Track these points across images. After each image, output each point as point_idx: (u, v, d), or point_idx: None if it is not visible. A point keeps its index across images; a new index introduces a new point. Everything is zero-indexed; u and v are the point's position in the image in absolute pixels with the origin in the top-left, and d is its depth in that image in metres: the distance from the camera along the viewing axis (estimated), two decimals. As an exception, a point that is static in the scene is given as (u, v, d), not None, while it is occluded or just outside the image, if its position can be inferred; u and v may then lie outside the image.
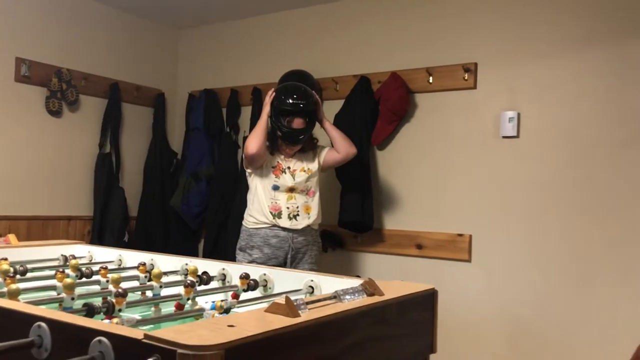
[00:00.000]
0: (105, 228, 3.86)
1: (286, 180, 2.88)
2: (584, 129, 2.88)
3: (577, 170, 2.88)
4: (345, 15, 3.69)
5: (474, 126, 3.18)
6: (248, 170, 2.95)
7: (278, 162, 2.92)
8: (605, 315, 2.77)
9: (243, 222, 2.97)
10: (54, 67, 3.66)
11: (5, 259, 1.88)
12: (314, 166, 2.96)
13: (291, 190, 2.88)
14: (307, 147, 2.96)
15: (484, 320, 3.08)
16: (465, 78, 3.19)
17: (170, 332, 0.95)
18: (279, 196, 2.87)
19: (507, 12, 3.12)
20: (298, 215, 2.86)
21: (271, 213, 2.84)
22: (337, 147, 2.97)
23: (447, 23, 3.31)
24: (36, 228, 3.58)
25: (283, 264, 2.82)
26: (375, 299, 1.33)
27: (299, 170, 2.91)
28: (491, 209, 3.11)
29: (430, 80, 3.30)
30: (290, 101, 2.85)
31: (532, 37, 3.04)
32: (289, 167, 2.91)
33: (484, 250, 3.12)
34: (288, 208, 2.85)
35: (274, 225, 2.84)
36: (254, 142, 2.81)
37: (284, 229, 2.83)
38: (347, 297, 1.29)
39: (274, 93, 2.91)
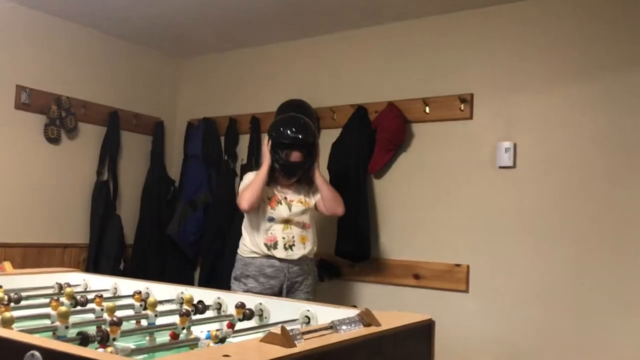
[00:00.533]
0: (101, 256, 3.85)
1: (282, 211, 2.85)
2: (580, 159, 2.90)
3: (574, 201, 2.89)
4: (342, 47, 3.74)
5: (471, 156, 3.20)
6: None
7: (274, 193, 2.89)
8: (604, 347, 2.75)
9: (238, 251, 2.95)
10: (54, 95, 3.69)
11: (0, 287, 1.87)
12: (311, 201, 2.93)
13: (287, 221, 2.85)
14: (303, 178, 2.93)
15: (481, 351, 3.05)
16: (462, 108, 3.23)
17: (165, 362, 0.94)
18: (275, 227, 2.84)
19: (503, 43, 3.17)
20: (294, 245, 2.84)
21: (266, 245, 2.81)
22: (324, 204, 2.92)
23: (443, 54, 3.35)
24: (32, 255, 3.56)
25: (278, 294, 2.78)
26: (372, 329, 1.32)
27: (296, 202, 2.89)
28: (489, 239, 3.10)
29: (427, 111, 3.33)
30: (289, 134, 2.82)
31: (528, 68, 3.08)
32: (285, 198, 2.89)
33: (482, 280, 3.10)
34: (284, 238, 2.83)
35: (270, 256, 2.82)
36: (249, 200, 2.77)
37: (280, 259, 2.81)
38: (344, 327, 1.28)
39: (271, 134, 2.86)
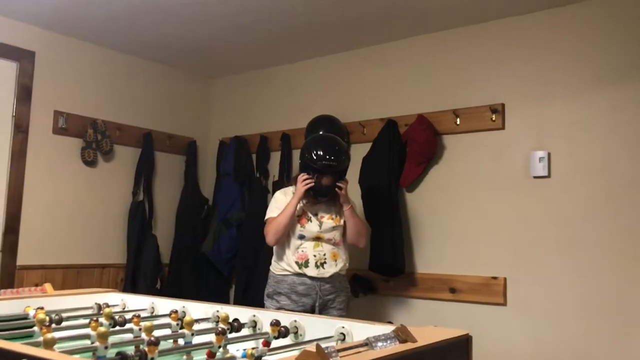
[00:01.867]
0: (138, 275, 3.91)
1: (312, 228, 2.83)
2: (616, 167, 2.84)
3: (612, 209, 2.82)
4: (370, 61, 3.75)
5: (504, 167, 3.16)
6: None
7: (305, 210, 2.88)
8: (650, 360, 2.66)
9: (271, 268, 2.95)
10: (90, 119, 3.79)
11: (42, 308, 1.92)
12: (342, 219, 2.90)
13: (318, 238, 2.83)
14: (335, 195, 2.88)
15: (522, 366, 2.98)
16: (493, 119, 3.19)
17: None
18: (306, 244, 2.82)
19: (533, 52, 3.13)
20: (325, 263, 2.82)
21: (297, 263, 2.80)
22: (348, 233, 2.90)
23: (473, 65, 3.33)
24: (71, 276, 3.64)
25: (311, 312, 2.76)
26: (408, 345, 1.31)
27: (327, 218, 2.87)
28: (525, 251, 3.05)
29: (458, 122, 3.31)
30: (323, 162, 2.77)
31: (559, 75, 3.04)
32: (316, 214, 2.87)
33: (520, 293, 3.04)
34: (315, 256, 2.81)
35: (301, 274, 2.81)
36: (275, 236, 2.79)
37: (311, 277, 2.80)
38: (379, 344, 1.27)
39: (304, 154, 2.82)
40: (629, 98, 2.83)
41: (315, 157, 2.78)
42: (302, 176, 2.82)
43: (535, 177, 3.05)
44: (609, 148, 2.87)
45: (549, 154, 3.02)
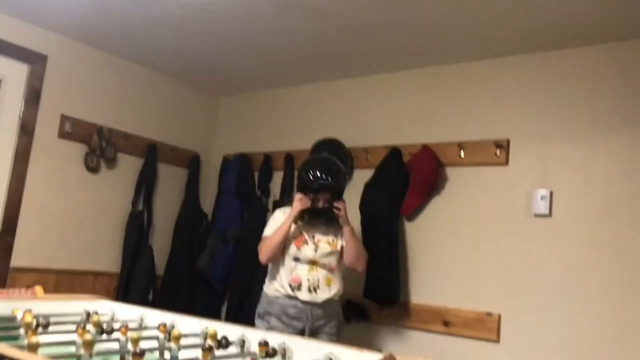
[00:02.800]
0: (131, 285, 3.88)
1: (307, 252, 2.81)
2: (618, 209, 2.82)
3: (613, 251, 2.81)
4: (378, 88, 3.78)
5: (505, 203, 3.15)
6: None
7: (302, 232, 2.85)
8: (642, 409, 2.61)
9: (264, 288, 2.93)
10: (96, 126, 3.80)
11: (30, 311, 1.90)
12: (339, 243, 2.87)
13: (313, 262, 2.81)
14: (333, 217, 2.86)
15: (511, 405, 2.93)
16: (497, 154, 3.19)
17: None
18: (300, 267, 2.80)
19: (541, 91, 3.14)
20: (318, 287, 2.79)
21: (290, 285, 2.78)
22: (346, 256, 2.87)
23: (480, 99, 3.34)
24: (64, 281, 3.62)
25: (300, 336, 2.73)
26: (395, 375, 1.28)
27: (324, 242, 2.85)
28: (522, 289, 3.02)
29: (462, 155, 3.31)
30: (320, 179, 2.77)
31: (567, 115, 3.04)
32: (313, 237, 2.85)
33: (514, 331, 3.01)
34: (308, 280, 2.78)
35: (293, 297, 2.78)
36: (267, 255, 2.78)
37: (303, 302, 2.77)
38: (366, 372, 1.25)
39: (301, 174, 2.83)
40: (631, 144, 2.83)
41: (311, 177, 2.78)
42: (298, 196, 2.81)
43: (536, 215, 3.04)
44: (612, 190, 2.86)
45: (551, 193, 3.01)
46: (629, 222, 2.79)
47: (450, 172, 3.37)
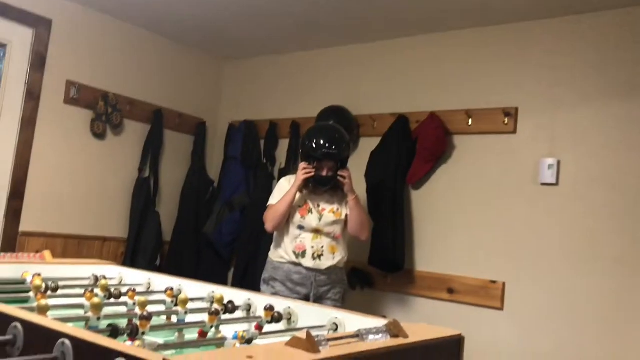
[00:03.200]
0: (138, 250, 3.92)
1: (311, 221, 2.82)
2: (626, 179, 2.81)
3: (618, 221, 2.80)
4: (385, 55, 3.73)
5: (512, 171, 3.14)
6: None
7: (306, 201, 2.86)
8: (643, 376, 2.64)
9: (269, 254, 2.96)
10: (102, 91, 3.79)
11: (39, 275, 1.92)
12: (343, 211, 2.88)
13: (317, 231, 2.82)
14: (337, 186, 2.87)
15: (513, 371, 2.97)
16: (505, 122, 3.17)
17: (189, 359, 0.95)
18: (304, 235, 2.82)
19: (550, 57, 3.10)
20: (322, 255, 2.81)
21: (294, 253, 2.81)
22: (350, 225, 2.87)
23: (488, 66, 3.30)
24: (72, 246, 3.66)
25: (305, 301, 2.77)
26: (399, 341, 1.30)
27: (328, 211, 2.85)
28: (527, 257, 3.03)
29: (470, 123, 3.28)
30: (323, 147, 2.77)
31: (575, 83, 3.01)
32: (318, 206, 2.86)
33: (518, 299, 3.03)
34: (312, 247, 2.81)
35: (297, 263, 2.81)
36: (273, 223, 2.80)
37: (307, 268, 2.80)
38: (370, 336, 1.26)
39: (305, 142, 2.83)
40: (644, 111, 2.80)
41: (315, 146, 2.79)
42: (302, 165, 2.82)
43: (543, 184, 3.03)
44: (619, 159, 2.84)
45: (558, 162, 2.99)
46: (637, 191, 2.77)
47: (458, 140, 3.35)
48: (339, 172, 2.81)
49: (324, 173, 2.79)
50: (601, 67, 2.94)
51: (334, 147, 2.79)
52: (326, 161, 2.78)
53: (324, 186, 2.83)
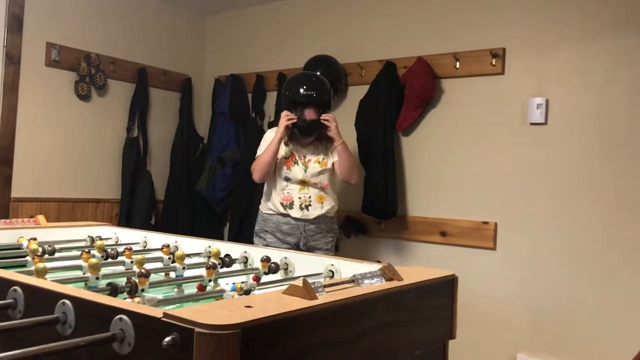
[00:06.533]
0: (132, 211, 3.93)
1: (297, 172, 2.83)
2: (614, 117, 2.82)
3: (607, 159, 2.83)
4: (370, 1, 3.66)
5: (501, 112, 3.14)
6: None
7: (292, 152, 2.87)
8: (632, 306, 2.72)
9: (260, 207, 3.00)
10: (83, 52, 3.71)
11: (35, 239, 1.93)
12: (329, 161, 2.89)
13: (303, 182, 2.84)
14: (324, 136, 2.87)
15: (507, 308, 3.05)
16: (493, 64, 3.15)
17: (188, 311, 0.97)
18: (291, 187, 2.84)
19: (537, -4, 3.05)
20: (310, 205, 2.84)
21: (282, 204, 2.83)
22: (340, 169, 2.88)
23: (474, 8, 3.25)
24: (65, 210, 3.66)
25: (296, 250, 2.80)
26: (394, 283, 1.33)
27: (314, 162, 2.86)
28: (517, 197, 3.07)
29: (457, 66, 3.26)
30: (302, 92, 2.79)
31: (562, 22, 2.97)
32: (304, 156, 2.87)
33: (510, 238, 3.08)
34: (300, 198, 2.83)
35: (286, 214, 2.84)
36: (260, 173, 2.82)
37: (295, 218, 2.83)
38: (366, 281, 1.29)
39: (285, 92, 2.84)
40: (628, 47, 2.78)
41: (294, 92, 2.81)
42: (284, 113, 2.83)
43: (532, 124, 3.03)
44: (607, 98, 2.84)
45: (547, 101, 2.99)
46: (625, 128, 2.79)
47: (446, 84, 3.33)
48: (322, 117, 2.80)
49: (307, 118, 2.79)
50: (586, 4, 2.90)
51: (312, 91, 2.80)
52: (308, 107, 2.78)
53: (309, 133, 2.83)
